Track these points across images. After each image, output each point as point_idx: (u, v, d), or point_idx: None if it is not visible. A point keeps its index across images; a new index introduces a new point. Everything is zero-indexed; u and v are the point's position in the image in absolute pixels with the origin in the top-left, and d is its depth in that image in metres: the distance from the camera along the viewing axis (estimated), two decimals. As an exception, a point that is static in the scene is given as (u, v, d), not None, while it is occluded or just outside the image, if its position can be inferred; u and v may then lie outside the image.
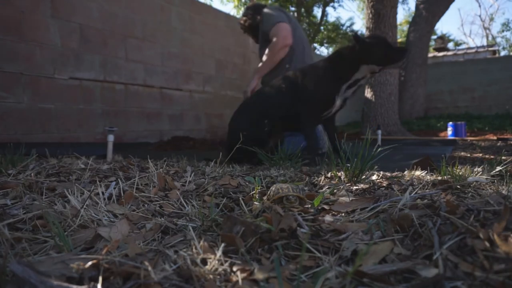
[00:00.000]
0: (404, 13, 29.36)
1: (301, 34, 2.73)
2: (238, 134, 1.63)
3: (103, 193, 0.88)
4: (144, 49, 3.84)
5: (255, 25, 2.81)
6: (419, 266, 0.49)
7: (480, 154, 2.41)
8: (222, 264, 0.52)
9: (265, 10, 2.72)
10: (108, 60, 3.47)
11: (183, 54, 4.35)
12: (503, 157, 1.57)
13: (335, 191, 1.03)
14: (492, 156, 2.15)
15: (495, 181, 1.12)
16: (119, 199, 0.91)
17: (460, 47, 20.33)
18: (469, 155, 2.39)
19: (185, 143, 3.59)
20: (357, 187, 1.09)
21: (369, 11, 4.99)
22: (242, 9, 14.96)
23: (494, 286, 0.44)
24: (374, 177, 1.25)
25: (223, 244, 0.58)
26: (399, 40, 15.48)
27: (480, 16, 36.51)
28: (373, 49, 1.89)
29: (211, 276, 0.49)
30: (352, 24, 31.80)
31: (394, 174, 1.38)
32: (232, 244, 0.60)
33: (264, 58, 2.62)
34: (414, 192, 0.91)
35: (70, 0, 3.11)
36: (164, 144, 3.55)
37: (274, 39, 2.54)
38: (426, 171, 1.36)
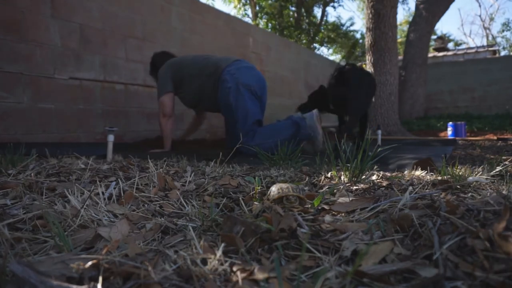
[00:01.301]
0: (404, 13, 29.42)
1: (198, 66, 2.91)
2: None
3: (103, 193, 0.88)
4: (144, 49, 3.84)
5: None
6: (419, 266, 0.49)
7: (480, 154, 2.41)
8: (222, 264, 0.52)
9: (159, 73, 2.97)
10: (108, 60, 3.47)
11: (183, 54, 4.35)
12: (503, 157, 1.57)
13: (335, 191, 1.03)
14: (492, 156, 2.15)
15: (495, 181, 1.12)
16: (119, 199, 0.91)
17: (460, 47, 20.32)
18: (469, 155, 2.39)
19: (185, 143, 3.59)
20: (357, 187, 1.09)
21: (369, 11, 4.99)
22: (242, 9, 14.97)
23: (494, 286, 0.44)
24: (374, 177, 1.25)
25: (223, 244, 0.58)
26: (399, 40, 15.49)
27: (480, 16, 36.50)
28: None
29: (211, 276, 0.49)
30: (352, 24, 31.86)
31: (394, 174, 1.38)
32: (232, 244, 0.60)
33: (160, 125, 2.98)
34: (414, 192, 0.91)
35: (70, 0, 3.11)
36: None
37: (160, 119, 2.92)
38: (426, 171, 1.36)
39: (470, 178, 1.12)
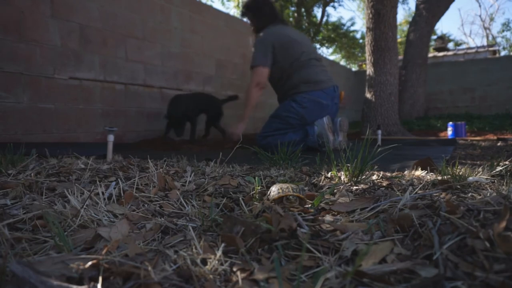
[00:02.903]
0: (404, 13, 29.37)
1: (298, 38, 2.85)
2: None
3: (103, 193, 0.88)
4: (144, 49, 3.84)
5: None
6: (419, 266, 0.49)
7: (480, 154, 2.41)
8: (222, 264, 0.52)
9: (262, 38, 2.85)
10: (108, 60, 3.47)
11: (183, 54, 4.35)
12: (503, 157, 1.57)
13: (335, 191, 1.03)
14: (492, 156, 2.15)
15: (495, 181, 1.12)
16: (119, 199, 0.91)
17: (460, 47, 20.31)
18: (469, 155, 2.39)
19: (185, 143, 3.59)
20: (357, 187, 1.09)
21: (369, 11, 4.99)
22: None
23: (494, 286, 0.44)
24: (374, 177, 1.25)
25: (223, 244, 0.58)
26: (399, 40, 15.49)
27: (480, 16, 36.49)
28: None
29: (211, 276, 0.49)
30: (353, 24, 31.83)
31: (394, 174, 1.38)
32: (232, 244, 0.60)
33: (247, 97, 2.94)
34: (414, 192, 0.91)
35: (70, 0, 3.11)
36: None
37: (248, 90, 2.88)
38: (426, 171, 1.36)
39: (470, 178, 1.12)
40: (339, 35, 15.76)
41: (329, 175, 1.32)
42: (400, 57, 8.01)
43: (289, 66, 2.79)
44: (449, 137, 4.87)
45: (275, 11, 3.00)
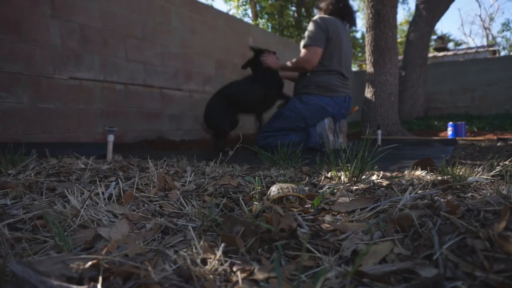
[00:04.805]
0: (404, 13, 29.46)
1: (344, 45, 2.87)
2: None
3: (103, 193, 0.88)
4: (144, 49, 3.83)
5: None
6: (419, 266, 0.49)
7: (480, 154, 2.41)
8: (222, 264, 0.52)
9: (312, 21, 2.84)
10: (108, 60, 3.46)
11: (183, 54, 4.35)
12: (503, 157, 1.57)
13: (335, 191, 1.03)
14: (492, 156, 2.15)
15: (495, 181, 1.12)
16: (119, 199, 0.91)
17: (460, 47, 20.31)
18: (469, 155, 2.40)
19: (185, 143, 3.60)
20: (357, 187, 1.09)
21: (369, 11, 4.99)
22: (242, 9, 14.97)
23: (494, 286, 0.44)
24: (374, 177, 1.25)
25: (223, 244, 0.58)
26: (399, 40, 15.48)
27: (480, 16, 36.49)
28: None
29: (211, 276, 0.49)
30: (352, 24, 31.75)
31: (394, 174, 1.38)
32: (232, 244, 0.60)
33: (293, 61, 2.87)
34: (414, 192, 0.91)
35: (70, 0, 3.11)
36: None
37: (297, 59, 2.83)
38: (426, 171, 1.36)
39: (470, 178, 1.12)
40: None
41: (329, 175, 1.32)
42: (400, 57, 8.01)
43: (318, 62, 2.80)
44: (449, 137, 4.87)
45: (347, 9, 2.99)
